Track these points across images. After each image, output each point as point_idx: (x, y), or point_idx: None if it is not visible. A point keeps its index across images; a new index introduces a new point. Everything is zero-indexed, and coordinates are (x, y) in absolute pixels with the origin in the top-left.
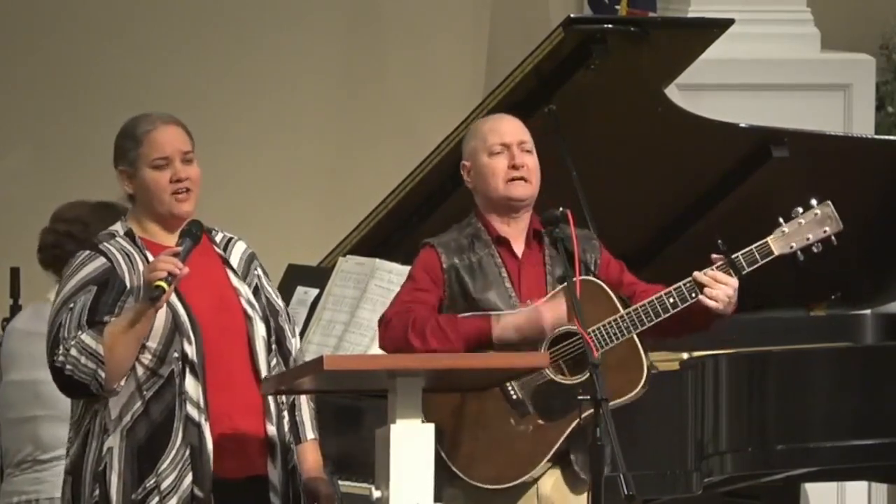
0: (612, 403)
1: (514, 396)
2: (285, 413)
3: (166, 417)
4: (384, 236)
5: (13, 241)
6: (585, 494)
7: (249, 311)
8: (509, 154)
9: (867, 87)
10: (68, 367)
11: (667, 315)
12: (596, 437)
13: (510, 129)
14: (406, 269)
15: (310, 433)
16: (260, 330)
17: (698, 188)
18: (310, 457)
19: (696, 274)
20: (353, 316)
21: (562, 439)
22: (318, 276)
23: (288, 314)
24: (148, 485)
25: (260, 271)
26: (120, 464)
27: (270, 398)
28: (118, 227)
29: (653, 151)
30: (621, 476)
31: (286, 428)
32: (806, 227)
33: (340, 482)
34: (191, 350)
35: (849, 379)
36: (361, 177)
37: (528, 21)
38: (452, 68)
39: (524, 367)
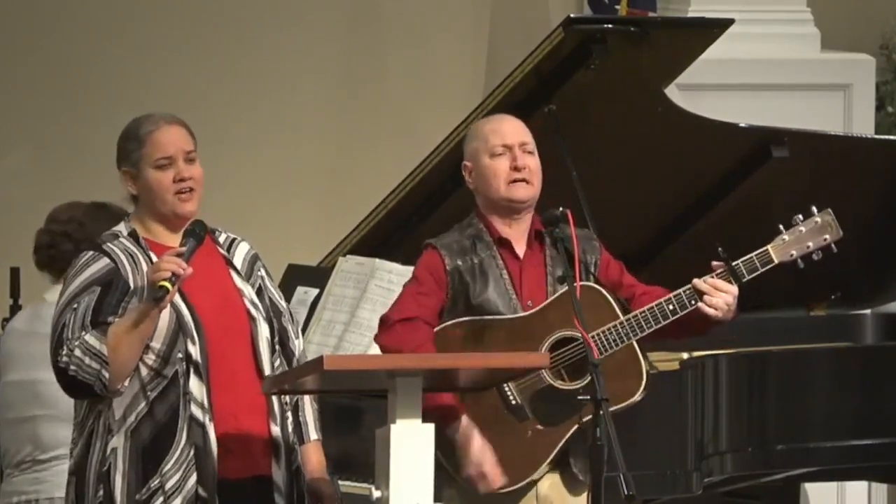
0: (610, 409)
1: (513, 402)
2: (289, 413)
3: (170, 418)
4: (384, 236)
5: (13, 241)
6: (584, 496)
7: (253, 311)
8: (511, 155)
9: (867, 87)
10: (72, 367)
11: (666, 322)
12: (596, 438)
13: (512, 130)
14: (406, 269)
15: (313, 434)
16: (263, 331)
17: (698, 188)
18: (313, 457)
19: (695, 281)
20: (353, 316)
21: (561, 443)
22: (318, 276)
23: (291, 315)
24: (152, 485)
25: (263, 272)
26: (124, 464)
27: (274, 399)
28: (122, 228)
29: (653, 151)
30: (621, 476)
31: (290, 428)
32: (806, 235)
33: (340, 482)
34: (194, 350)
35: (849, 379)
36: (361, 177)
37: (528, 21)
38: (452, 68)
39: (524, 368)
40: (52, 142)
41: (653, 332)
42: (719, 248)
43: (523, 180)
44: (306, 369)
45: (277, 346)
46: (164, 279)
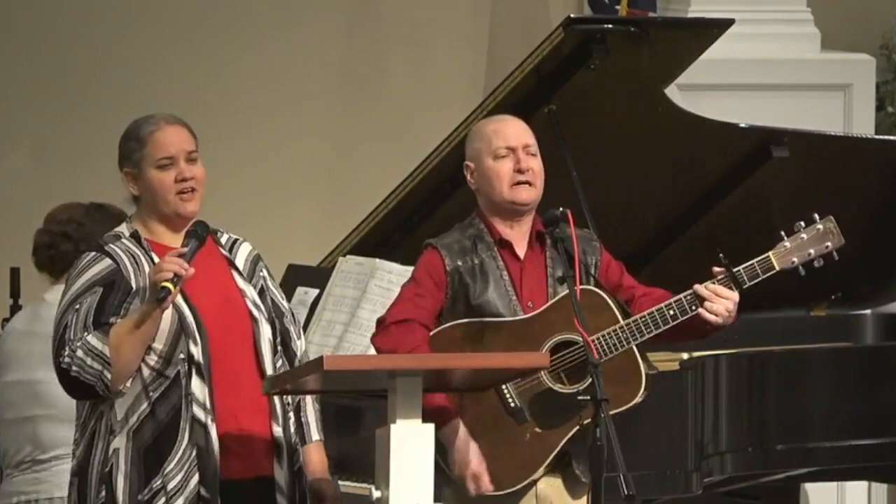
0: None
1: (512, 404)
2: (291, 414)
3: (172, 418)
4: (384, 236)
5: (13, 241)
6: (584, 498)
7: (255, 312)
8: (515, 158)
9: (867, 87)
10: (74, 368)
11: (666, 327)
12: (596, 437)
13: (515, 132)
14: (406, 269)
15: (315, 434)
16: (265, 331)
17: (698, 188)
18: (315, 458)
19: (696, 287)
20: (353, 316)
21: (560, 446)
22: (318, 276)
23: (294, 315)
24: (154, 485)
25: (265, 272)
26: (126, 465)
27: (276, 399)
28: (124, 229)
29: (653, 151)
30: (621, 476)
31: (292, 429)
32: (808, 242)
33: (340, 482)
34: (196, 351)
35: (849, 379)
36: (361, 177)
37: (528, 21)
38: (452, 68)
39: (524, 368)
40: (52, 142)
41: (652, 337)
42: (720, 255)
43: (526, 182)
44: (306, 369)
45: (279, 347)
46: (166, 280)
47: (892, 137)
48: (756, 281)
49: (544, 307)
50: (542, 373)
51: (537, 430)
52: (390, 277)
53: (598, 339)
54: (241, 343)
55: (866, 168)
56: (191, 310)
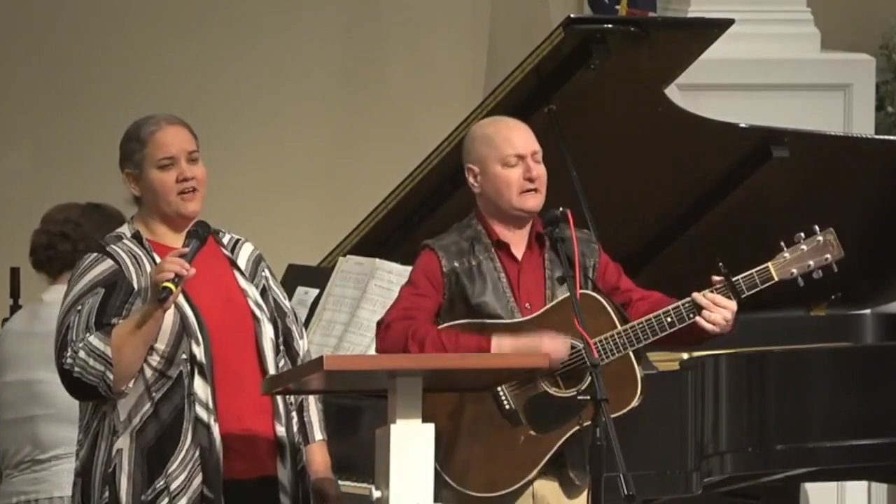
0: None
1: (507, 407)
2: (294, 414)
3: (175, 418)
4: (384, 236)
5: (13, 241)
6: (580, 498)
7: (257, 312)
8: (524, 166)
9: (867, 87)
10: (77, 369)
11: (664, 334)
12: (596, 437)
13: (524, 139)
14: (406, 269)
15: (318, 434)
16: (268, 331)
17: (698, 188)
18: (318, 458)
19: (695, 295)
20: (353, 316)
21: (554, 449)
22: (318, 276)
23: (296, 315)
24: (157, 486)
25: (267, 272)
26: (129, 465)
27: (279, 399)
28: (125, 230)
29: (653, 151)
30: (621, 476)
31: (295, 429)
32: (808, 254)
33: (340, 482)
34: (199, 351)
35: (849, 379)
36: (361, 177)
37: (528, 21)
38: (452, 68)
39: (524, 368)
40: (52, 142)
41: (649, 343)
42: (719, 264)
43: (534, 189)
44: (306, 369)
45: (282, 347)
46: (168, 280)
47: (892, 137)
48: (754, 291)
49: (544, 309)
50: (539, 376)
51: (532, 433)
52: (390, 277)
53: (595, 343)
54: (243, 343)
55: (866, 168)
56: (193, 310)
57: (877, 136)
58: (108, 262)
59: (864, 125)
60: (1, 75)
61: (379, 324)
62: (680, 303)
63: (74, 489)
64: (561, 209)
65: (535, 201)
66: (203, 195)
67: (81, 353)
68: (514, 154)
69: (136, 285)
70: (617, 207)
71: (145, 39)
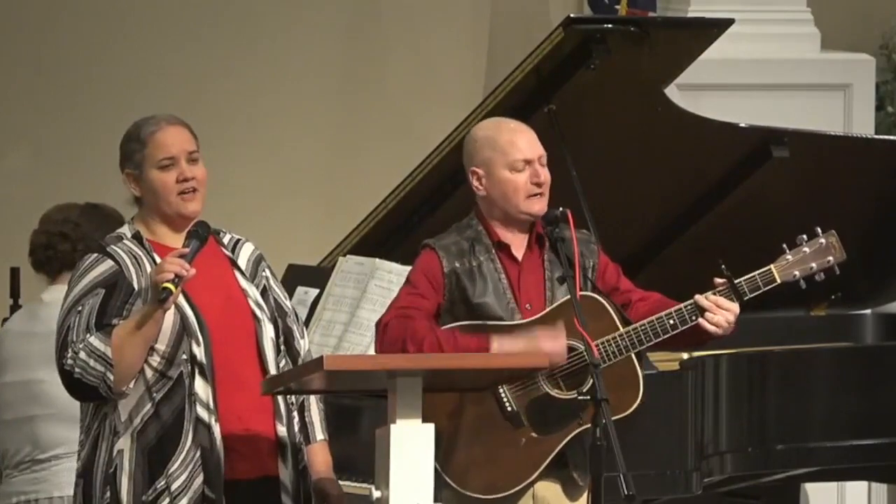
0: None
1: (509, 409)
2: (295, 413)
3: (176, 419)
4: (384, 236)
5: (13, 241)
6: (581, 500)
7: (258, 312)
8: (532, 170)
9: (867, 87)
10: (77, 370)
11: (666, 336)
12: (596, 437)
13: (530, 143)
14: (406, 269)
15: (319, 434)
16: (268, 331)
17: (698, 188)
18: (320, 458)
19: (697, 298)
20: (353, 316)
21: (556, 451)
22: (318, 276)
23: (296, 315)
24: (158, 486)
25: (268, 272)
26: (130, 466)
27: (280, 399)
28: (126, 230)
29: (653, 151)
30: (621, 476)
31: (296, 428)
32: (810, 256)
33: (340, 482)
34: (199, 352)
35: (849, 379)
36: (361, 177)
37: (528, 21)
38: (452, 68)
39: (524, 368)
40: (51, 142)
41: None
42: (722, 266)
43: (540, 194)
44: (306, 369)
45: (283, 347)
46: (168, 280)
47: (892, 137)
48: (757, 293)
49: (545, 311)
50: (540, 378)
51: (533, 434)
52: (390, 277)
53: (597, 346)
54: (243, 343)
55: (866, 168)
56: (193, 310)
57: (877, 136)
58: (109, 263)
59: (864, 125)
60: (1, 75)
61: (377, 324)
62: (682, 305)
63: (76, 490)
64: (561, 209)
65: (540, 205)
66: (203, 195)
67: (82, 354)
68: (522, 159)
69: (136, 286)
70: (617, 207)
71: (145, 39)
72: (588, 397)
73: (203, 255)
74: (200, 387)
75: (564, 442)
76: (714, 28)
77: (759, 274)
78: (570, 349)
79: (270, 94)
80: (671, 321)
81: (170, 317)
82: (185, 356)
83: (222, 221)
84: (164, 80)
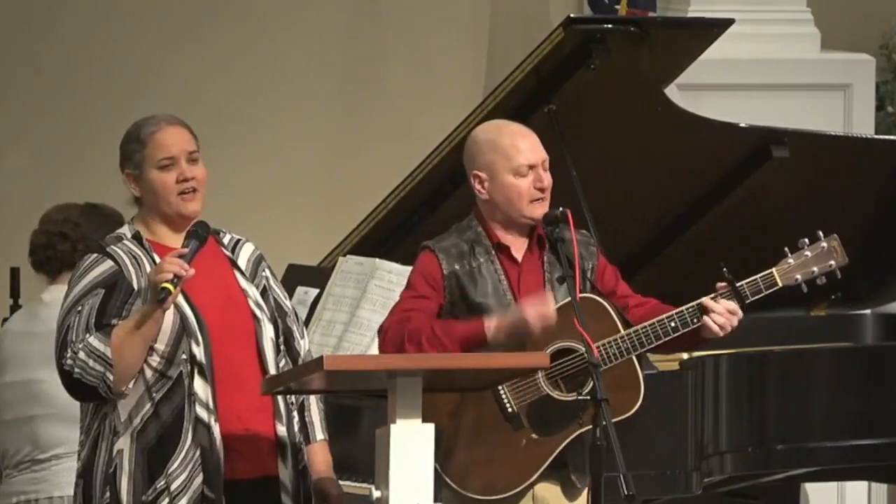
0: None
1: (510, 410)
2: (295, 413)
3: (176, 418)
4: (384, 236)
5: (13, 241)
6: (580, 499)
7: (257, 312)
8: (535, 175)
9: (867, 87)
10: (77, 370)
11: (667, 339)
12: (596, 438)
13: (534, 147)
14: (406, 269)
15: (319, 434)
16: (268, 331)
17: (698, 188)
18: (319, 457)
19: (705, 300)
20: (353, 316)
21: (555, 453)
22: (318, 276)
23: (296, 315)
24: (158, 486)
25: (268, 273)
26: (130, 465)
27: (280, 399)
28: (126, 231)
29: (653, 151)
30: (621, 476)
31: (296, 428)
32: (812, 260)
33: (340, 482)
34: (199, 351)
35: (849, 379)
36: (361, 177)
37: (528, 21)
38: (452, 68)
39: (524, 367)
40: (51, 142)
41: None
42: (724, 269)
43: (542, 198)
44: (306, 369)
45: (282, 347)
46: (166, 280)
47: (892, 137)
48: (758, 297)
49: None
50: (541, 379)
51: (534, 436)
52: (390, 277)
53: (599, 347)
54: (243, 343)
55: (866, 168)
56: (192, 310)
57: (877, 136)
58: (108, 263)
59: (864, 125)
60: (1, 75)
61: (379, 330)
62: (684, 308)
63: (76, 490)
64: (561, 209)
65: (542, 209)
66: (203, 195)
67: (81, 354)
68: (526, 164)
69: (136, 286)
70: (617, 207)
71: (145, 39)
72: (588, 398)
73: (203, 255)
74: (200, 386)
75: (566, 443)
76: (714, 28)
77: (761, 277)
78: (571, 351)
79: (270, 94)
80: (673, 324)
81: (169, 316)
82: (184, 356)
83: (222, 221)
84: (164, 80)
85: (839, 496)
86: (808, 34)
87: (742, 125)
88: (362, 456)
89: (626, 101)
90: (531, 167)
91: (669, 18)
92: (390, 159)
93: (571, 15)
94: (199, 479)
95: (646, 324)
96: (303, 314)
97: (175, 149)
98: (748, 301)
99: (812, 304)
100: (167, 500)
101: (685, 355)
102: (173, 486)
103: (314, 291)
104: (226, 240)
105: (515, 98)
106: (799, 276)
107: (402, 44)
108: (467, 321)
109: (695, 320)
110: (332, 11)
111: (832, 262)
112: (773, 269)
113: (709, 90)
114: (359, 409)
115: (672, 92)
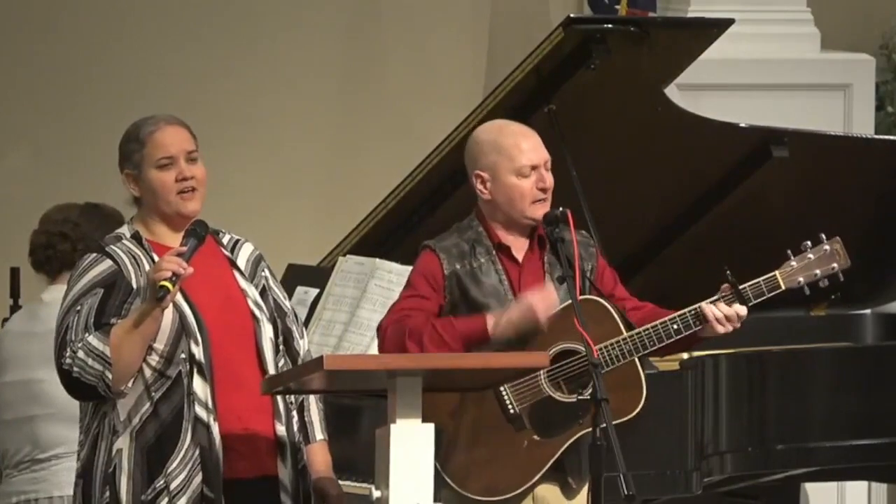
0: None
1: (512, 411)
2: (294, 413)
3: (175, 418)
4: (384, 236)
5: (13, 241)
6: (579, 497)
7: (256, 312)
8: (538, 176)
9: (867, 87)
10: (76, 369)
11: (669, 341)
12: (596, 437)
13: (536, 148)
14: (406, 269)
15: (319, 434)
16: (267, 331)
17: (698, 188)
18: (319, 457)
19: (703, 307)
20: (353, 316)
21: (557, 455)
22: (318, 276)
23: (296, 315)
24: (157, 485)
25: (267, 272)
26: (129, 465)
27: (279, 399)
28: (125, 230)
29: (653, 151)
30: (621, 476)
31: (295, 428)
32: (815, 263)
33: (340, 482)
34: (198, 351)
35: (849, 379)
36: (361, 177)
37: (528, 21)
38: (452, 68)
39: (524, 367)
40: (52, 142)
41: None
42: (727, 271)
43: (544, 199)
44: (306, 369)
45: (282, 347)
46: (165, 279)
47: (892, 137)
48: (761, 299)
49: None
50: (542, 381)
51: (535, 437)
52: (390, 277)
53: (601, 349)
54: (242, 343)
55: (866, 168)
56: (192, 309)
57: (877, 136)
58: (107, 263)
59: (864, 125)
60: (1, 75)
61: (378, 328)
62: (686, 310)
63: (76, 490)
64: (561, 209)
65: (544, 209)
66: (203, 195)
67: (80, 353)
68: (528, 165)
69: (135, 285)
70: (617, 207)
71: (145, 39)
72: (590, 399)
73: (202, 254)
74: (199, 386)
75: (567, 444)
76: (714, 28)
77: (763, 280)
78: (572, 352)
79: (270, 94)
80: (675, 326)
81: (168, 316)
82: (183, 355)
83: (222, 221)
84: (164, 80)
85: (839, 496)
86: (808, 34)
87: (742, 125)
88: (362, 456)
89: (626, 101)
90: (534, 168)
91: (669, 18)
92: (390, 159)
93: (571, 15)
94: (199, 478)
95: (648, 326)
96: (303, 314)
97: (174, 148)
98: (751, 304)
99: (812, 304)
100: (166, 499)
101: (685, 355)
102: (172, 486)
103: (314, 291)
104: (225, 240)
105: (515, 98)
106: (801, 279)
107: (402, 44)
108: (468, 318)
109: (696, 322)
110: (332, 11)
111: (835, 265)
112: (776, 272)
113: (709, 90)
114: (359, 409)
115: (672, 92)
